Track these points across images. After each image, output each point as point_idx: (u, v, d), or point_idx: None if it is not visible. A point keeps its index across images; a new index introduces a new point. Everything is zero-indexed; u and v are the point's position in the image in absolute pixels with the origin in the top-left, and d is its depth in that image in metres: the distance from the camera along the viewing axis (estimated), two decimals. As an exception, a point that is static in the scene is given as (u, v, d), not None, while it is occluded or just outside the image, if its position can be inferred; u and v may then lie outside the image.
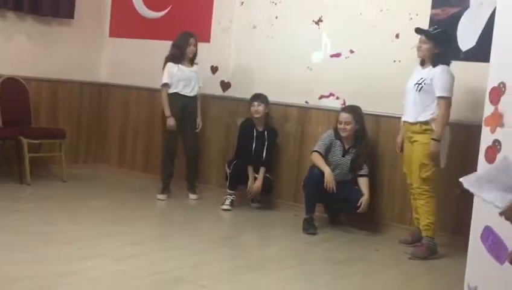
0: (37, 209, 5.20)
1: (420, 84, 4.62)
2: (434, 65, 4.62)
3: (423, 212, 4.69)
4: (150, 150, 7.01)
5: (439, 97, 4.55)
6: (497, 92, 3.43)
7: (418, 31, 4.72)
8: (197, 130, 6.01)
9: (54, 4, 6.64)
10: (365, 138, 5.32)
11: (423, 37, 4.69)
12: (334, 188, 5.08)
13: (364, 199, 5.12)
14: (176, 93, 5.91)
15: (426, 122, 4.62)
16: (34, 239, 4.27)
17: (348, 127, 5.21)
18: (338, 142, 5.28)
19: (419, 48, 4.71)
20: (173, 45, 5.96)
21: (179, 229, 5.09)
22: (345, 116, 5.22)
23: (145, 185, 6.48)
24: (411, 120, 4.69)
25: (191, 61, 5.97)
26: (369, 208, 5.18)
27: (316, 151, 5.24)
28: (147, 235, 4.86)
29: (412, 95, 4.68)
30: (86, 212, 5.26)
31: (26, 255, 3.90)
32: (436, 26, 4.80)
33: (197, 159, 6.14)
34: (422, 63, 4.74)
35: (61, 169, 6.39)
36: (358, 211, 5.12)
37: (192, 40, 5.90)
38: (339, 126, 5.24)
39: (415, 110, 4.66)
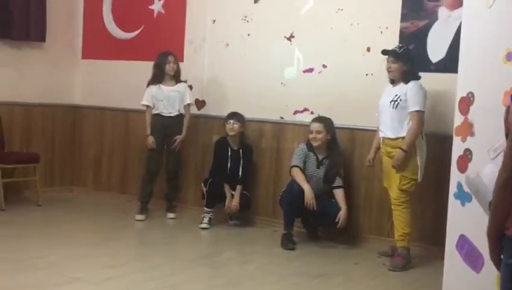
0: (12, 235, 5.12)
1: (396, 101, 4.68)
2: (406, 82, 4.69)
3: (399, 222, 4.72)
4: (126, 172, 6.95)
5: (412, 111, 4.62)
6: (466, 102, 3.49)
7: (385, 52, 4.78)
8: (173, 146, 5.97)
9: (25, 27, 6.57)
10: (337, 149, 5.34)
11: (391, 58, 4.75)
12: (315, 206, 5.08)
13: (342, 214, 5.12)
14: (157, 114, 5.99)
15: None
16: (9, 265, 4.20)
17: (319, 136, 5.24)
18: (311, 154, 5.30)
19: (389, 69, 4.77)
20: (153, 66, 6.00)
21: (157, 249, 5.05)
22: (315, 125, 5.27)
23: (122, 206, 6.42)
24: (392, 136, 4.73)
25: (175, 80, 5.98)
26: (347, 221, 5.18)
27: (296, 166, 5.23)
28: (125, 256, 4.81)
29: (388, 112, 4.73)
30: (62, 236, 5.19)
31: (1, 282, 3.83)
32: (400, 45, 4.88)
33: (176, 177, 6.14)
34: (393, 82, 4.80)
35: (36, 193, 6.31)
36: (337, 227, 5.12)
37: (170, 58, 5.92)
38: (310, 136, 5.27)
39: (394, 126, 4.71)
